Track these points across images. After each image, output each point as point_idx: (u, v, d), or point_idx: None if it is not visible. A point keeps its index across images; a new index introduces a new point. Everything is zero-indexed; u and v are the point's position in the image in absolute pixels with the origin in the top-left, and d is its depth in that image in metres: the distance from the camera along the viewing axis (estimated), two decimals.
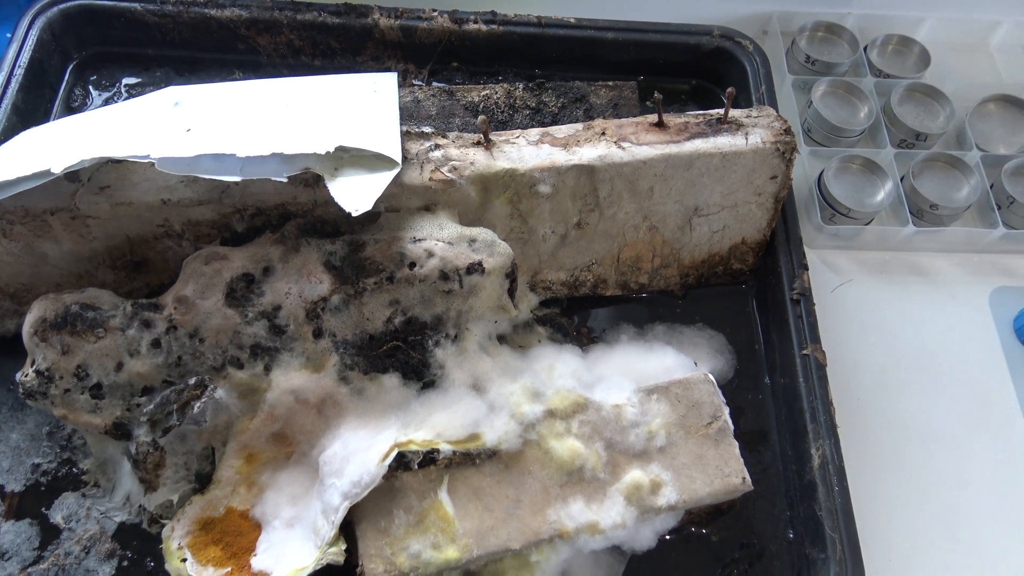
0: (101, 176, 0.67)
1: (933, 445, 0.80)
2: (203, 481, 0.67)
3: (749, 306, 0.83)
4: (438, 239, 0.68)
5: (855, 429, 0.78)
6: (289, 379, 0.66)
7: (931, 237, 0.92)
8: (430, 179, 0.70)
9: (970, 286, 0.91)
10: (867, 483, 0.75)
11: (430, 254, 0.67)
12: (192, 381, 0.64)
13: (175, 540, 0.64)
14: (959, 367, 0.85)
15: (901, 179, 0.93)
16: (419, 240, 0.68)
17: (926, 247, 0.93)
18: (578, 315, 0.81)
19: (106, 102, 0.89)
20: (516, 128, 0.83)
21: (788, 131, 0.76)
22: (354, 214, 0.62)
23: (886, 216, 0.94)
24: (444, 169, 0.70)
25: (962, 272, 0.92)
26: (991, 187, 0.94)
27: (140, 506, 0.67)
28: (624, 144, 0.74)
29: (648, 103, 0.92)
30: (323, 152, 0.64)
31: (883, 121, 0.97)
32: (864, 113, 0.97)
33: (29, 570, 0.65)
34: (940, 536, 0.75)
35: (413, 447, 0.63)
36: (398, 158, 0.66)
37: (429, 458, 0.63)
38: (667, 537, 0.69)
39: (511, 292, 0.71)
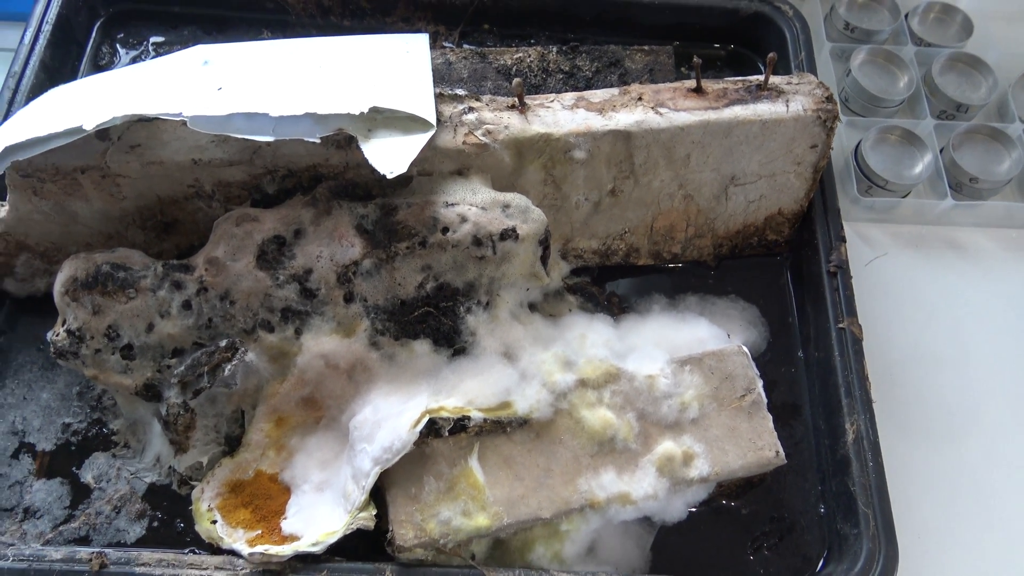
0: (131, 134, 0.66)
1: (968, 422, 0.79)
2: (233, 444, 0.67)
3: (783, 278, 0.81)
4: (471, 204, 0.67)
5: (888, 405, 0.77)
6: (320, 343, 0.65)
7: (970, 211, 0.90)
8: (463, 142, 0.68)
9: (1008, 262, 0.89)
10: (899, 459, 0.74)
11: (463, 219, 0.66)
12: (223, 343, 0.64)
13: (205, 502, 0.64)
14: (995, 344, 0.84)
15: (940, 151, 0.91)
16: (452, 205, 0.67)
17: (964, 221, 0.91)
18: (609, 284, 0.79)
19: (133, 60, 0.88)
20: (549, 92, 0.81)
21: (830, 99, 0.74)
22: (389, 176, 0.61)
23: (924, 189, 0.92)
24: (478, 132, 0.69)
25: (1000, 248, 0.90)
26: None
27: (170, 467, 0.67)
28: (661, 110, 0.72)
29: (683, 69, 0.90)
30: (357, 113, 0.62)
31: (923, 91, 0.95)
32: (904, 83, 0.95)
33: (61, 528, 0.65)
34: (973, 515, 0.74)
35: (444, 414, 0.62)
36: (433, 120, 0.65)
37: (460, 425, 0.63)
38: (695, 509, 0.68)
39: (544, 259, 0.70)
